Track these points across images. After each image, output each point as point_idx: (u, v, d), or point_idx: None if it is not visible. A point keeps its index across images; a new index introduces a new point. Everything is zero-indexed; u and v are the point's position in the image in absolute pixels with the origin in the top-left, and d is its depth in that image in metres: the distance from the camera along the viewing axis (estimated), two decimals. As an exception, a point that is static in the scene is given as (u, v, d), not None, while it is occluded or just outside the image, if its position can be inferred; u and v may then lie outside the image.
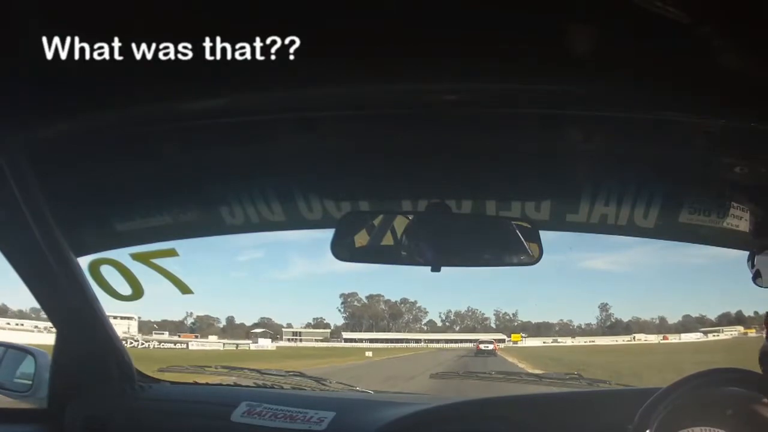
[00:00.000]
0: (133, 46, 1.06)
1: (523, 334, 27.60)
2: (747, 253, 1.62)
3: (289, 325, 33.07)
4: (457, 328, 31.20)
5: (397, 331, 31.43)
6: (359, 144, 1.53)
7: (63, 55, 1.07)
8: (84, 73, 1.11)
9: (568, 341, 27.58)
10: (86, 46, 1.06)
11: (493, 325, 29.66)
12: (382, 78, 1.15)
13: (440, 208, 1.65)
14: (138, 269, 1.77)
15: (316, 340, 30.76)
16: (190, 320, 30.55)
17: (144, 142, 1.47)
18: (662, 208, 1.76)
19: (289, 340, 30.75)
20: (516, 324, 29.16)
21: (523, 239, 1.59)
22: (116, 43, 1.05)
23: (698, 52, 0.97)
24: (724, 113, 1.15)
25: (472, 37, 1.04)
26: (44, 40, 1.04)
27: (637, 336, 27.20)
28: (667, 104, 1.18)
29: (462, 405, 1.79)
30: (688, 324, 26.91)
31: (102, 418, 1.84)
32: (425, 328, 32.24)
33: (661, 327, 27.81)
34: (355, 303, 33.35)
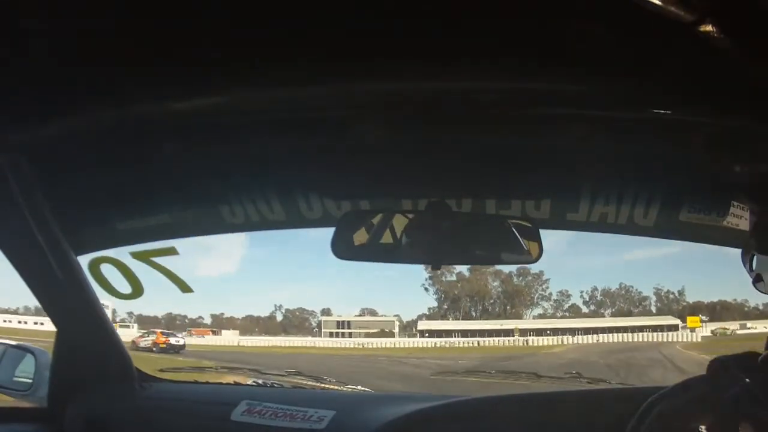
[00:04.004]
0: (133, 45, 1.06)
1: (703, 317, 19.78)
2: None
3: (327, 312, 23.71)
4: (607, 312, 21.92)
5: (515, 318, 20.72)
6: (359, 143, 1.53)
7: (63, 55, 1.07)
8: (84, 73, 1.11)
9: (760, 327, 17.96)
10: (86, 45, 1.06)
11: (653, 308, 21.56)
12: (382, 77, 1.15)
13: (440, 207, 1.65)
14: (143, 268, 1.77)
15: (368, 335, 21.34)
16: (279, 314, 25.61)
17: (144, 141, 1.47)
18: (662, 207, 1.76)
19: (331, 334, 22.34)
20: (683, 306, 20.81)
21: (523, 238, 1.60)
22: (116, 43, 1.05)
23: (698, 52, 0.96)
24: (725, 113, 1.15)
25: (472, 36, 1.04)
26: (44, 39, 1.04)
27: None
28: (667, 104, 1.18)
29: (462, 404, 1.79)
30: None
31: (102, 417, 1.84)
32: (567, 314, 22.16)
33: None
34: (448, 277, 22.23)
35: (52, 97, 1.20)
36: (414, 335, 20.78)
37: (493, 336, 19.81)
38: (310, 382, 2.17)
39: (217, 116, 1.30)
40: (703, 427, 1.30)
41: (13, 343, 2.35)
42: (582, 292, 22.71)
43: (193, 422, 1.82)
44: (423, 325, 20.92)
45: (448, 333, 20.13)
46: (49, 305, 1.81)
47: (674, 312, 19.47)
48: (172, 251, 1.81)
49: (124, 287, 1.78)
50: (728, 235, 1.71)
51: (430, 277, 21.59)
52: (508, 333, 19.86)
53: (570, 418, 1.59)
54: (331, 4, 0.99)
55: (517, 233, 1.61)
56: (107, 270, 1.77)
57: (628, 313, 20.87)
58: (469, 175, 1.71)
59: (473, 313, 21.88)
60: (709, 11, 0.86)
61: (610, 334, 19.02)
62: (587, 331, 19.59)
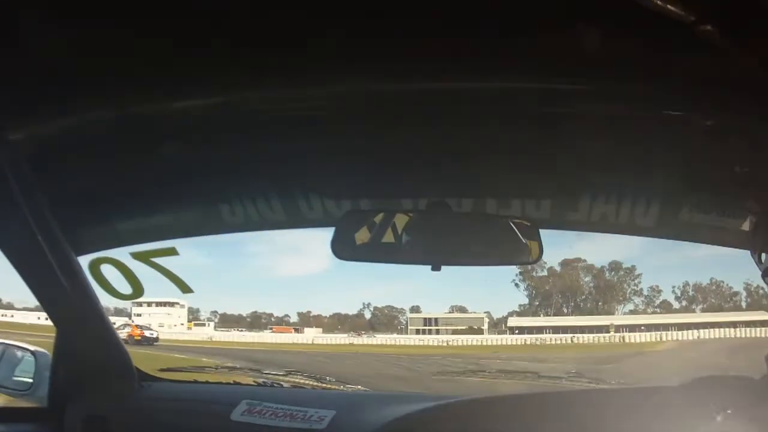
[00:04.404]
0: (133, 45, 1.06)
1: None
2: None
3: (416, 309, 22.20)
4: (698, 308, 20.45)
5: (607, 314, 19.16)
6: (360, 142, 1.53)
7: (63, 55, 1.07)
8: (84, 72, 1.11)
9: None
10: (86, 45, 1.06)
11: (743, 304, 19.64)
12: (383, 77, 1.15)
13: (441, 207, 1.65)
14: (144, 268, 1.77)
15: (455, 332, 20.08)
16: (367, 312, 24.18)
17: (144, 140, 1.47)
18: (662, 207, 1.76)
19: (418, 331, 21.16)
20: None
21: (523, 238, 1.59)
22: (116, 43, 1.05)
23: (699, 52, 0.96)
24: (725, 113, 1.15)
25: (472, 35, 1.04)
26: (44, 39, 1.04)
27: None
28: (668, 103, 1.18)
29: (462, 404, 1.79)
30: None
31: (102, 417, 1.84)
32: (657, 310, 20.73)
33: None
34: (539, 272, 20.81)
35: (52, 97, 1.20)
36: (504, 332, 20.16)
37: (585, 333, 18.98)
38: (310, 382, 2.16)
39: (217, 116, 1.30)
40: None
41: (13, 343, 2.34)
42: (674, 287, 21.72)
43: (193, 422, 1.82)
44: (513, 321, 20.20)
45: (539, 330, 19.55)
46: (49, 305, 1.81)
47: (765, 307, 17.64)
48: (172, 251, 1.80)
49: (124, 287, 1.78)
50: (728, 235, 1.71)
51: (521, 273, 21.10)
52: (601, 329, 18.83)
53: (570, 417, 1.59)
54: (331, 4, 0.99)
55: (517, 232, 1.61)
56: (107, 270, 1.77)
57: (719, 309, 19.90)
58: (470, 175, 1.71)
59: (564, 310, 21.14)
60: (709, 11, 0.86)
61: (705, 330, 17.99)
62: (680, 327, 18.59)
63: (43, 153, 1.41)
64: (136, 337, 16.70)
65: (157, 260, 1.77)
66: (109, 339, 1.93)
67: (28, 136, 1.32)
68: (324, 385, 2.17)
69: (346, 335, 21.38)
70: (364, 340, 20.58)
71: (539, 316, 20.13)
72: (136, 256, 1.79)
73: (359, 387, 2.28)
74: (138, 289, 1.78)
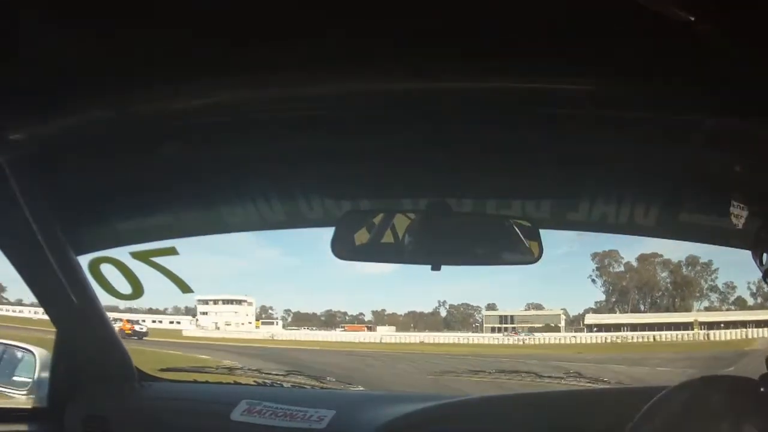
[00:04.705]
0: (133, 45, 1.06)
1: None
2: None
3: (492, 307, 21.45)
4: None
5: (684, 311, 18.06)
6: (359, 142, 1.53)
7: (63, 54, 1.07)
8: (84, 72, 1.11)
9: None
10: (86, 45, 1.06)
11: None
12: (383, 77, 1.15)
13: (441, 207, 1.65)
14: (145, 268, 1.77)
15: (531, 329, 19.00)
16: (442, 310, 23.79)
17: (144, 140, 1.47)
18: (662, 207, 1.76)
19: (493, 329, 20.31)
20: None
21: (523, 238, 1.59)
22: (116, 42, 1.05)
23: (698, 52, 0.96)
24: (725, 113, 1.15)
25: (472, 35, 1.04)
26: (44, 39, 1.04)
27: None
28: (668, 104, 1.18)
29: (461, 403, 1.79)
30: None
31: (102, 417, 1.84)
32: (732, 307, 19.62)
33: None
34: (615, 268, 19.95)
35: (52, 96, 1.19)
36: (581, 330, 19.15)
37: (662, 330, 17.94)
38: (310, 382, 2.16)
39: (217, 116, 1.30)
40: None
41: (13, 343, 2.34)
42: (749, 282, 20.29)
43: (193, 422, 1.82)
44: (591, 318, 19.20)
45: (617, 327, 18.50)
46: (49, 305, 1.81)
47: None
48: (172, 251, 1.80)
49: (124, 287, 1.78)
50: (728, 235, 1.71)
51: (598, 268, 20.47)
52: (683, 326, 17.72)
53: (569, 417, 1.59)
54: (330, 4, 0.99)
55: (518, 232, 1.61)
56: (107, 270, 1.77)
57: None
58: (470, 175, 1.71)
59: (641, 306, 20.15)
60: (709, 11, 0.86)
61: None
62: (758, 324, 17.64)
63: (43, 153, 1.41)
64: (126, 332, 17.48)
65: (157, 260, 1.77)
66: (109, 339, 1.93)
67: (28, 136, 1.32)
68: (324, 385, 2.17)
69: (416, 333, 20.55)
70: (435, 338, 19.71)
71: (615, 312, 19.36)
72: (136, 255, 1.79)
73: (359, 387, 2.28)
74: (138, 289, 1.78)
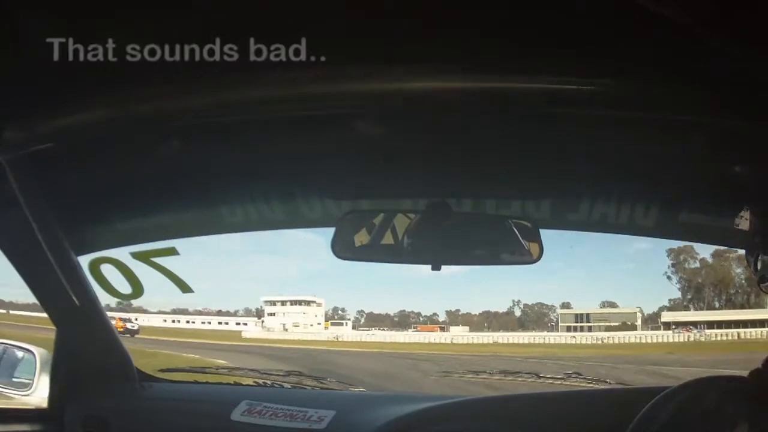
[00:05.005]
0: (133, 45, 1.06)
1: None
2: None
3: (567, 305, 21.02)
4: None
5: (758, 308, 17.12)
6: (359, 143, 1.53)
7: (62, 55, 1.06)
8: (84, 72, 1.11)
9: None
10: (86, 45, 1.06)
11: None
12: (383, 77, 1.15)
13: (441, 207, 1.65)
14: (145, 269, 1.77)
15: (608, 328, 18.38)
16: (517, 309, 22.76)
17: (144, 140, 1.47)
18: (662, 208, 1.76)
19: (569, 328, 19.63)
20: None
21: (523, 238, 1.60)
22: (116, 42, 1.05)
23: (698, 52, 0.96)
24: (725, 113, 1.15)
25: (472, 35, 1.04)
26: (44, 39, 1.04)
27: None
28: (667, 103, 1.18)
29: (461, 403, 1.79)
30: None
31: (102, 418, 1.84)
32: None
33: None
34: (691, 264, 19.22)
35: (52, 96, 1.20)
36: (657, 328, 18.69)
37: (739, 327, 17.31)
38: (310, 382, 2.16)
39: (217, 116, 1.30)
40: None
41: (13, 343, 2.34)
42: None
43: (193, 422, 1.82)
44: (667, 316, 18.66)
45: (694, 325, 18.08)
46: (49, 305, 1.81)
47: None
48: (172, 251, 1.80)
49: (124, 287, 1.78)
50: (728, 235, 1.71)
51: (674, 265, 19.62)
52: (759, 324, 16.95)
53: (570, 418, 1.59)
54: (330, 4, 0.99)
55: (517, 233, 1.61)
56: (107, 270, 1.77)
57: None
58: (470, 175, 1.71)
59: (716, 304, 19.39)
60: (710, 12, 0.86)
61: None
62: None
63: (43, 153, 1.41)
64: (119, 329, 17.58)
65: (157, 260, 1.77)
66: (109, 339, 1.93)
67: (28, 136, 1.32)
68: (324, 385, 2.17)
69: (490, 333, 20.09)
70: (508, 338, 19.18)
71: (689, 310, 19.07)
72: (136, 255, 1.79)
73: (359, 387, 2.28)
74: (138, 289, 1.78)
